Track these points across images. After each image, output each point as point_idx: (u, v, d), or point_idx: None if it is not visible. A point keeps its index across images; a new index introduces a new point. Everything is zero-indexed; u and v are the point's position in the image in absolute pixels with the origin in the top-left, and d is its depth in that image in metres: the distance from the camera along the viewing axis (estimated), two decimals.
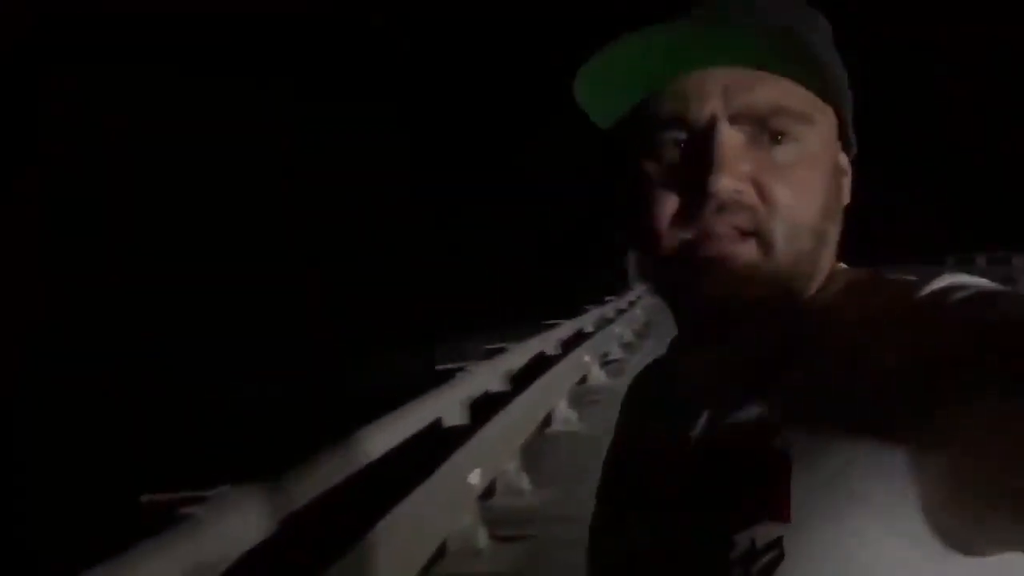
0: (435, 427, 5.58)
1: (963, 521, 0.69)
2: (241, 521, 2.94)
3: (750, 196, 0.77)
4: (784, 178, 0.77)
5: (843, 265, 0.85)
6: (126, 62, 25.33)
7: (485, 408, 6.05)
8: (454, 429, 5.68)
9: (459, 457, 5.22)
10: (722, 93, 0.78)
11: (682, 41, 0.77)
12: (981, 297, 0.72)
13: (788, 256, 0.78)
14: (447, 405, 5.94)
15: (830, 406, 0.74)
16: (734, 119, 0.77)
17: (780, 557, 0.73)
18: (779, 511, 0.74)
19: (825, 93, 0.79)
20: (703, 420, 0.83)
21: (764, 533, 0.74)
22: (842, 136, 0.82)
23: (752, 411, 0.79)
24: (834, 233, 0.82)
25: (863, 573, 0.71)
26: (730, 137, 0.77)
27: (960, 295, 0.72)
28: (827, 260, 0.83)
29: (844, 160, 0.83)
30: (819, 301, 0.82)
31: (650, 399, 0.94)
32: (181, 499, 2.81)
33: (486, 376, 6.96)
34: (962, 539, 0.70)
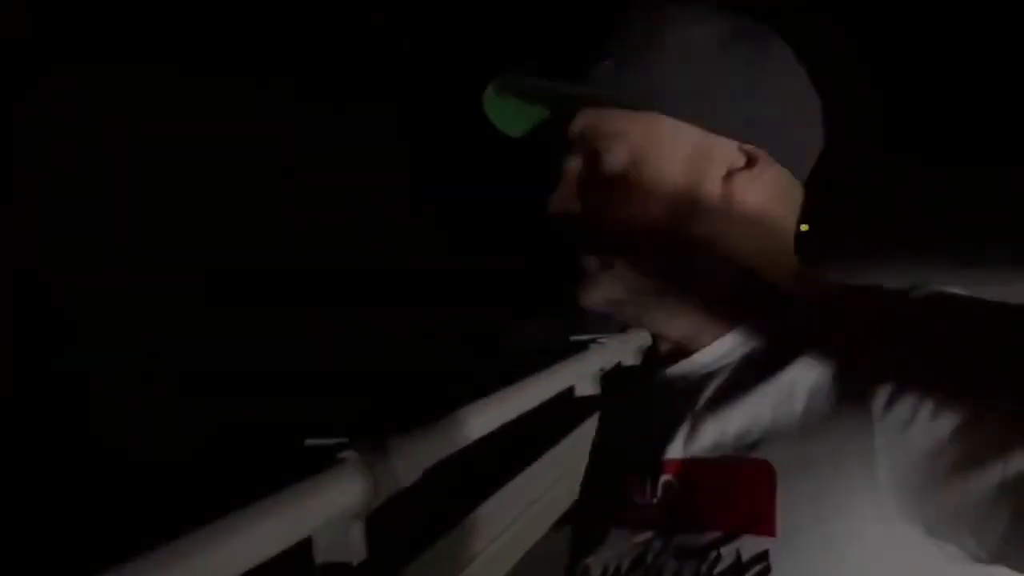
0: (568, 395, 5.71)
1: (952, 532, 0.69)
2: (386, 468, 3.08)
3: (583, 212, 0.84)
4: (608, 190, 0.82)
5: (824, 276, 0.86)
6: (125, 62, 25.19)
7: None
8: (585, 399, 5.85)
9: (587, 427, 5.40)
10: (574, 134, 0.85)
11: (519, 88, 0.85)
12: (964, 315, 0.72)
13: (631, 261, 0.83)
14: (581, 375, 6.11)
15: (811, 419, 0.75)
16: (575, 146, 0.85)
17: (767, 570, 0.73)
18: (765, 525, 0.74)
19: (664, 111, 0.83)
20: (684, 432, 0.83)
21: (750, 546, 0.74)
22: (735, 137, 0.84)
23: (734, 423, 0.80)
24: (691, 234, 0.83)
25: None
26: (569, 163, 0.85)
27: (946, 313, 0.73)
28: (768, 271, 0.85)
29: (729, 162, 0.84)
30: (793, 312, 0.83)
31: (629, 409, 0.94)
32: (337, 445, 2.94)
33: (619, 349, 7.10)
34: (952, 546, 0.70)
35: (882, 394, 0.71)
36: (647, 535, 0.82)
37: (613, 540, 0.86)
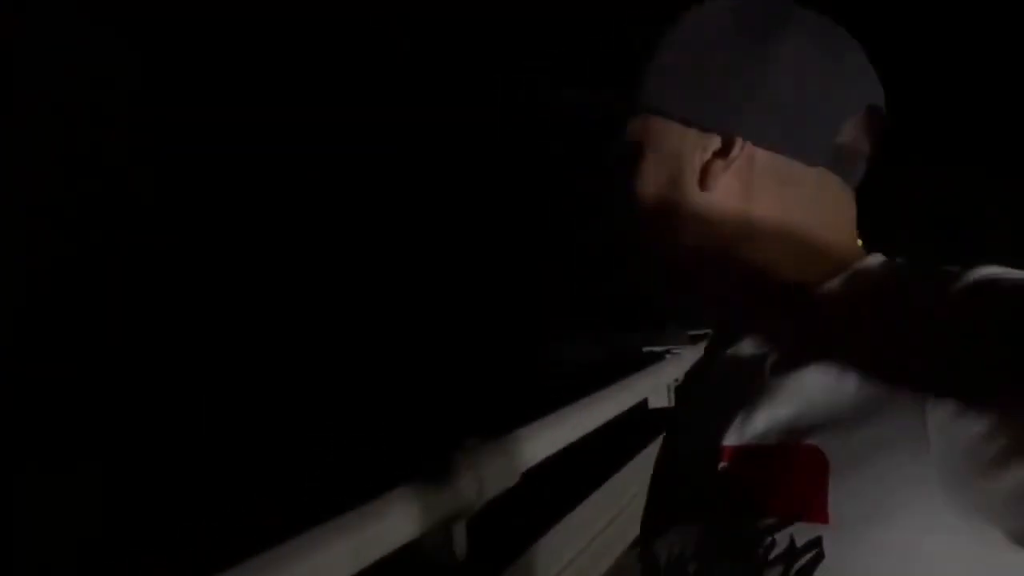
0: (642, 407, 5.68)
1: (1002, 518, 0.68)
2: (491, 468, 2.95)
3: (629, 228, 0.91)
4: (630, 189, 0.90)
5: (878, 257, 0.86)
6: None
7: None
8: (659, 411, 5.83)
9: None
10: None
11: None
12: (1013, 297, 0.71)
13: (642, 234, 0.90)
14: (654, 386, 6.11)
15: (862, 405, 0.75)
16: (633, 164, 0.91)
17: (820, 557, 0.73)
18: (817, 511, 0.74)
19: (655, 112, 0.89)
20: (738, 419, 0.84)
21: (803, 533, 0.74)
22: (709, 128, 0.87)
23: (785, 409, 0.80)
24: (681, 221, 0.88)
25: (903, 571, 0.71)
26: (626, 179, 0.91)
27: (994, 296, 0.72)
28: (811, 258, 0.86)
29: (704, 148, 0.87)
30: (843, 297, 0.83)
31: (691, 401, 0.96)
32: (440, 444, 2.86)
33: (691, 360, 7.04)
34: (1002, 533, 0.69)
35: (934, 380, 0.71)
36: (706, 521, 0.84)
37: (676, 526, 0.87)
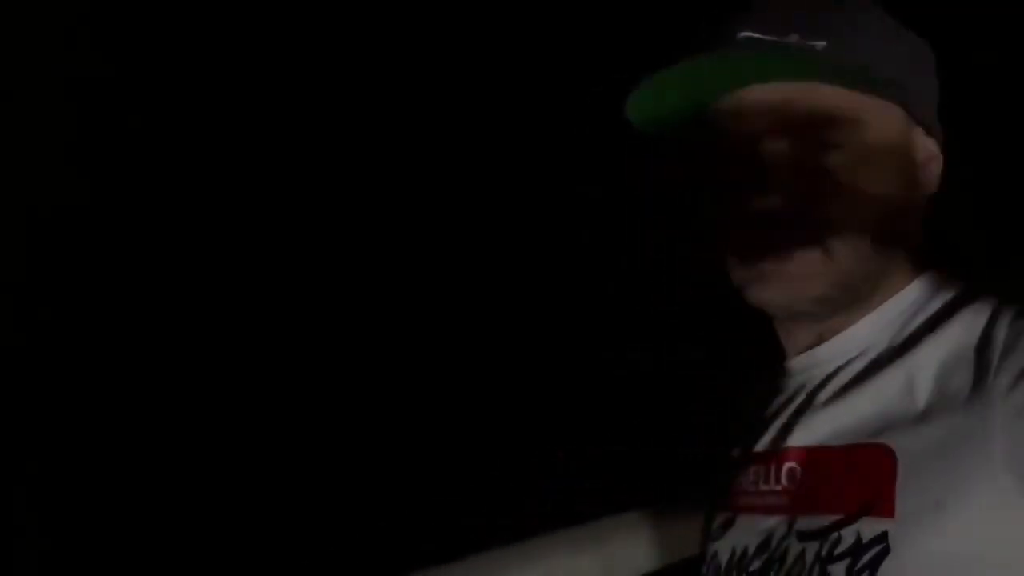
0: None
1: None
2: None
3: (802, 207, 0.80)
4: (838, 184, 0.79)
5: (941, 267, 0.86)
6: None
7: None
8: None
9: None
10: (769, 109, 0.80)
11: (730, 65, 0.80)
12: None
13: (849, 261, 0.81)
14: None
15: (932, 403, 0.76)
16: (784, 133, 0.80)
17: (886, 551, 0.74)
18: (884, 507, 0.76)
19: (878, 92, 0.80)
20: (807, 420, 0.86)
21: (870, 528, 0.76)
22: (921, 124, 0.84)
23: (856, 410, 0.82)
24: (908, 228, 0.84)
25: (966, 566, 0.72)
26: (778, 152, 0.80)
27: None
28: (903, 258, 0.84)
29: (924, 149, 0.85)
30: (915, 301, 0.84)
31: (757, 399, 0.97)
32: None
33: None
34: None
35: (1004, 377, 0.72)
36: (772, 520, 0.85)
37: (740, 525, 0.89)
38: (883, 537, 0.75)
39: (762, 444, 0.91)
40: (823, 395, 0.86)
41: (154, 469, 2.95)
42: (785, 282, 0.83)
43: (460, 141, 2.99)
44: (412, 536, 2.73)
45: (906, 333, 0.83)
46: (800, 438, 0.87)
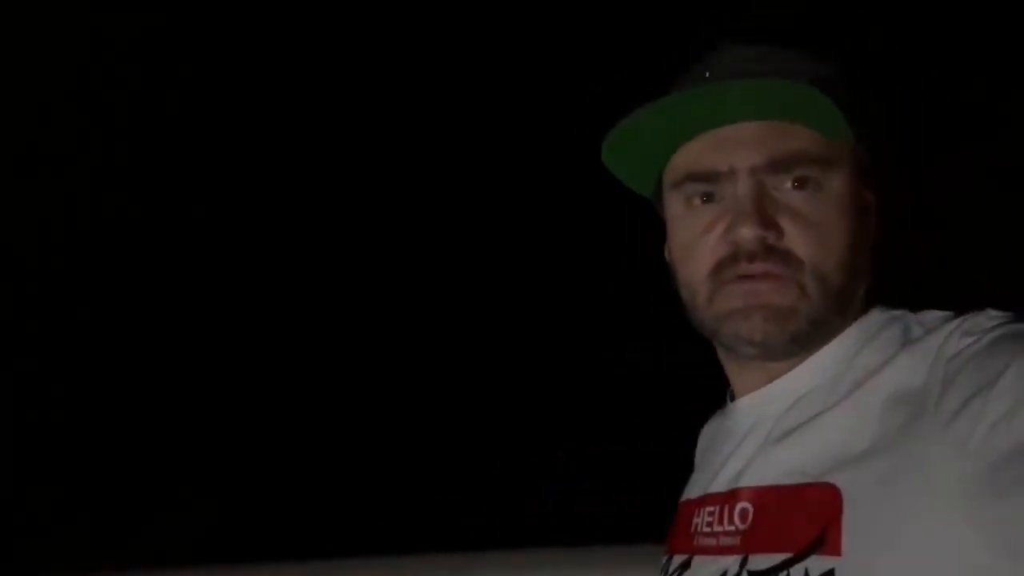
0: None
1: (1014, 541, 0.70)
2: None
3: (778, 242, 0.81)
4: (809, 223, 0.81)
5: (881, 308, 0.87)
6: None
7: None
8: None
9: None
10: (746, 146, 0.82)
11: (705, 102, 0.81)
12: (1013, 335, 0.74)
13: (820, 298, 0.83)
14: None
15: (878, 440, 0.77)
16: (759, 170, 0.81)
17: None
18: (831, 544, 0.77)
19: (847, 137, 0.81)
20: (759, 461, 0.87)
21: (817, 566, 0.77)
22: (870, 174, 0.86)
23: (804, 450, 0.83)
24: (863, 271, 0.86)
25: None
26: (754, 188, 0.81)
27: (1006, 331, 0.75)
28: (859, 300, 0.86)
29: (870, 198, 0.87)
30: (857, 341, 0.85)
31: (715, 441, 0.97)
32: None
33: None
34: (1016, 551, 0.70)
35: (944, 412, 0.74)
36: (727, 560, 0.86)
37: (696, 566, 0.90)
38: (830, 574, 0.77)
39: (716, 485, 0.92)
40: (772, 435, 0.87)
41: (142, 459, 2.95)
42: (768, 317, 0.84)
43: (459, 144, 3.00)
44: (420, 531, 2.73)
45: (851, 372, 0.84)
46: (751, 478, 0.87)
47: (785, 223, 0.82)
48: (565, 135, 2.94)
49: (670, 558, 0.97)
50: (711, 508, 0.91)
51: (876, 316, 0.87)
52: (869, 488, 0.77)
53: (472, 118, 3.04)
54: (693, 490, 0.99)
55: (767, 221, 0.81)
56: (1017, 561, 0.70)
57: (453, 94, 3.01)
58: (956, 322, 0.80)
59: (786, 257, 0.82)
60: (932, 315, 0.84)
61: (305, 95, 3.11)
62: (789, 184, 0.82)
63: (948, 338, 0.79)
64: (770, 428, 0.88)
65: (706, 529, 0.91)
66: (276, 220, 3.15)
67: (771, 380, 0.89)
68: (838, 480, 0.79)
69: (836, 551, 0.77)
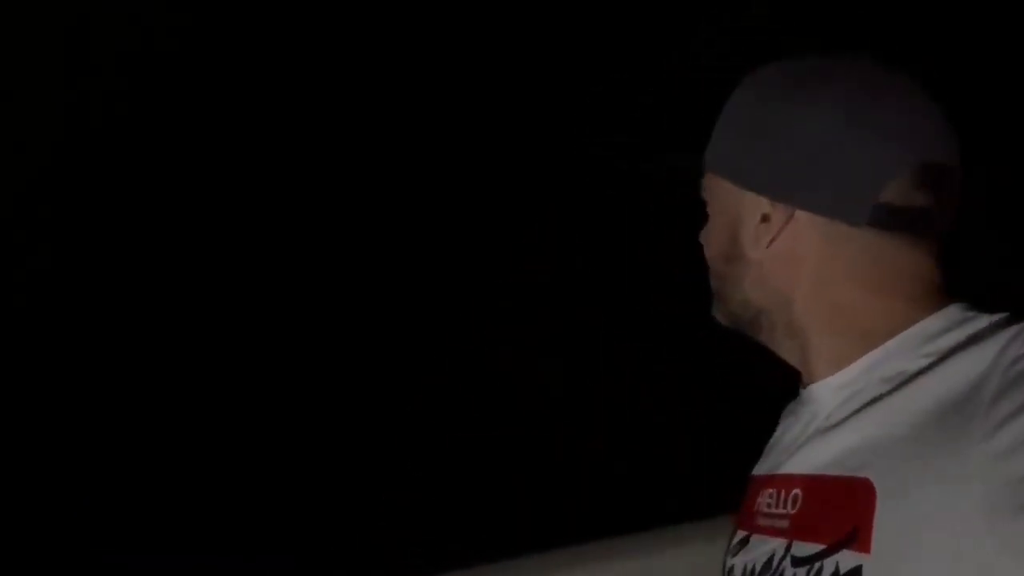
0: None
1: None
2: None
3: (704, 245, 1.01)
4: (705, 233, 1.00)
5: (957, 307, 0.87)
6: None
7: None
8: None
9: None
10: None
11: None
12: None
13: (713, 284, 1.00)
14: None
15: (916, 441, 0.79)
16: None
17: None
18: (862, 541, 0.79)
19: (721, 176, 0.97)
20: (810, 449, 0.91)
21: (847, 561, 0.79)
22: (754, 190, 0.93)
23: (847, 442, 0.86)
24: (741, 274, 0.96)
25: None
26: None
27: None
28: (910, 294, 0.89)
29: (751, 214, 0.93)
30: (918, 341, 0.87)
31: (786, 423, 1.01)
32: None
33: None
34: None
35: (987, 424, 0.74)
36: (775, 542, 0.90)
37: (753, 544, 0.94)
38: (858, 571, 0.78)
39: (778, 467, 0.96)
40: (826, 425, 0.90)
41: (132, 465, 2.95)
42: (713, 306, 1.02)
43: (453, 145, 3.00)
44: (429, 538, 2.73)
45: (907, 370, 0.85)
46: (804, 465, 0.90)
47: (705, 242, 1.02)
48: (567, 135, 2.93)
49: (735, 532, 1.01)
50: (771, 490, 0.95)
51: (943, 317, 0.87)
52: (905, 489, 0.77)
53: (469, 118, 3.03)
54: (762, 467, 1.02)
55: (703, 233, 1.01)
56: None
57: (450, 93, 3.00)
58: (1017, 328, 0.80)
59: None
60: (997, 318, 0.84)
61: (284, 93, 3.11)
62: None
63: (1008, 344, 0.78)
64: (826, 418, 0.90)
65: (766, 509, 0.94)
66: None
67: (835, 370, 0.92)
68: (874, 476, 0.80)
69: (866, 548, 0.78)
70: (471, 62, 2.98)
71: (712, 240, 0.99)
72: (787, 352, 0.97)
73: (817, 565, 0.82)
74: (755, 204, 0.93)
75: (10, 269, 2.90)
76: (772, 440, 1.04)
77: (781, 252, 0.92)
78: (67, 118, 2.96)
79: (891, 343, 0.88)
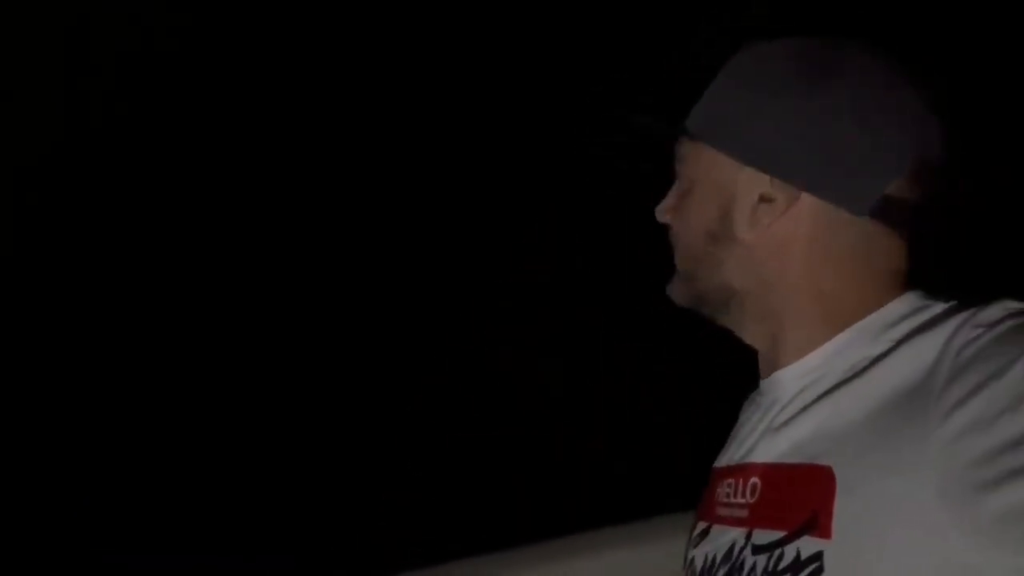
0: None
1: (999, 541, 0.71)
2: None
3: (670, 221, 0.98)
4: (677, 207, 0.96)
5: (908, 297, 0.88)
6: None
7: None
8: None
9: None
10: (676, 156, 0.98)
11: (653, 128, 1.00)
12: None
13: (688, 271, 0.96)
14: None
15: (875, 428, 0.79)
16: (678, 165, 0.97)
17: (819, 570, 0.78)
18: (822, 527, 0.79)
19: (694, 138, 0.94)
20: (769, 437, 0.91)
21: (808, 547, 0.80)
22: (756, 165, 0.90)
23: (807, 429, 0.86)
24: (724, 255, 0.92)
25: None
26: (676, 182, 0.98)
27: (1011, 331, 0.76)
28: (881, 289, 0.89)
29: (747, 191, 0.90)
30: (875, 329, 0.87)
31: (746, 413, 1.01)
32: None
33: None
34: (1001, 553, 0.72)
35: (940, 410, 0.75)
36: (735, 531, 0.90)
37: (713, 534, 0.94)
38: (818, 556, 0.79)
39: (737, 458, 0.96)
40: (784, 414, 0.90)
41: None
42: (669, 283, 1.00)
43: (453, 145, 3.00)
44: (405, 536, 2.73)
45: (867, 356, 0.85)
46: (763, 454, 0.91)
47: (674, 207, 0.98)
48: (567, 135, 2.93)
49: (695, 523, 1.01)
50: (730, 480, 0.94)
51: (903, 303, 0.88)
52: (863, 475, 0.78)
53: (469, 118, 3.03)
54: (722, 459, 1.01)
55: (667, 205, 0.99)
56: (1015, 555, 0.72)
57: (450, 93, 3.00)
58: (967, 313, 0.81)
59: (672, 238, 0.99)
60: (950, 304, 0.85)
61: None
62: (679, 179, 0.98)
63: (958, 330, 0.79)
64: (784, 407, 0.90)
65: (725, 500, 0.95)
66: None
67: (794, 359, 0.92)
68: (834, 463, 0.81)
69: (827, 534, 0.79)
70: (471, 62, 2.98)
71: (692, 216, 0.94)
72: (752, 336, 0.96)
73: (778, 552, 0.82)
74: (753, 181, 0.90)
75: (10, 269, 2.90)
76: (733, 431, 1.03)
77: (776, 235, 0.90)
78: (67, 118, 2.96)
79: (853, 329, 0.88)
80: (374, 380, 3.12)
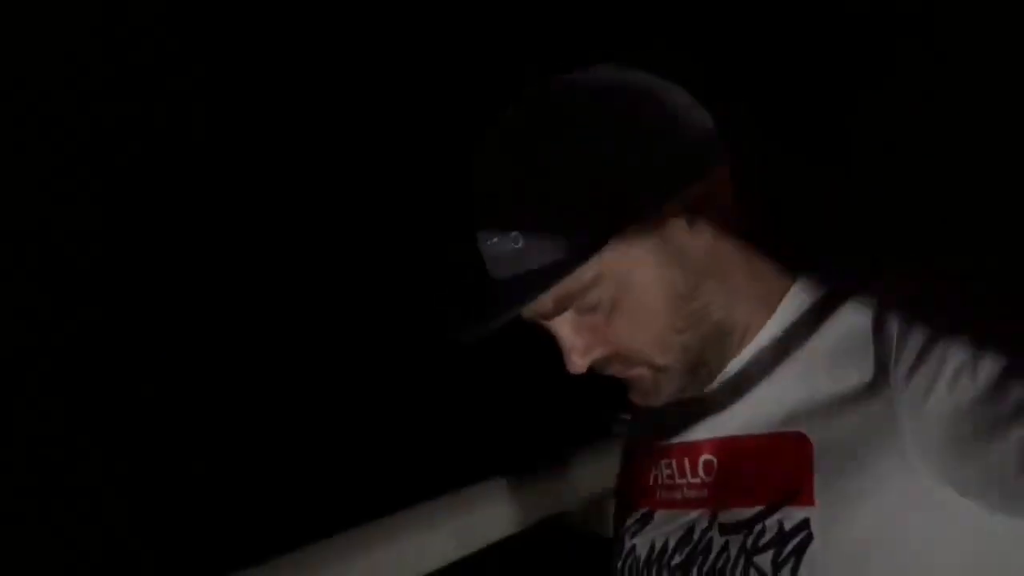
0: None
1: (979, 491, 0.72)
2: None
3: (607, 351, 0.84)
4: (616, 325, 0.83)
5: (806, 272, 0.87)
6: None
7: None
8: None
9: None
10: (539, 316, 0.84)
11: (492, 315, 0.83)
12: (981, 288, 0.76)
13: (677, 360, 0.85)
14: None
15: (840, 390, 0.78)
16: (559, 311, 0.83)
17: (809, 538, 0.76)
18: (804, 495, 0.78)
19: (584, 255, 0.79)
20: (716, 414, 0.87)
21: (792, 516, 0.78)
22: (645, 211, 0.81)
23: (764, 400, 0.83)
24: (705, 306, 0.84)
25: (886, 548, 0.74)
26: (563, 326, 0.84)
27: (937, 290, 0.77)
28: (769, 283, 0.86)
29: (644, 261, 0.82)
30: (796, 305, 0.86)
31: (655, 409, 0.93)
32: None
33: None
34: (983, 503, 0.73)
35: (904, 364, 0.74)
36: (693, 513, 0.86)
37: (658, 520, 0.90)
38: (805, 524, 0.77)
39: (672, 438, 0.91)
40: (725, 391, 0.87)
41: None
42: (644, 393, 0.88)
43: (452, 145, 3.00)
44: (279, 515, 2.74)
45: (795, 327, 0.85)
46: (711, 430, 0.88)
47: (603, 336, 0.84)
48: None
49: (626, 511, 0.96)
50: (668, 460, 0.91)
51: (812, 276, 0.88)
52: (839, 440, 0.78)
53: (469, 118, 3.04)
54: (640, 441, 0.98)
55: (583, 347, 0.84)
56: (1005, 503, 0.72)
57: (449, 93, 3.01)
58: (890, 274, 0.82)
59: (622, 357, 0.85)
60: (850, 270, 0.85)
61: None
62: (585, 309, 0.83)
63: (893, 290, 0.80)
64: (722, 386, 0.88)
65: (668, 481, 0.91)
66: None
67: (740, 351, 0.90)
68: (807, 429, 0.80)
69: (810, 500, 0.78)
70: (471, 62, 2.98)
71: (646, 315, 0.84)
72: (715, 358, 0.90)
73: (757, 528, 0.80)
74: (639, 250, 0.82)
75: (10, 268, 2.90)
76: (644, 413, 0.97)
77: (705, 263, 0.86)
78: (67, 118, 2.96)
79: (778, 312, 0.87)
80: (375, 380, 3.12)
